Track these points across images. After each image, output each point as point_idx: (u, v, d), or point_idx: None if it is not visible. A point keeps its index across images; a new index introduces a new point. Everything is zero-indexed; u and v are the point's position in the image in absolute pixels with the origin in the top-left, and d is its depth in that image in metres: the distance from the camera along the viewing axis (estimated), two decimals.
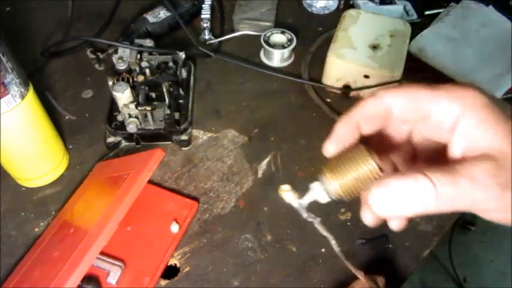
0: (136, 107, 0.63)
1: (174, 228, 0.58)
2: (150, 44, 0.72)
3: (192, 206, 0.61)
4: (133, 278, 0.54)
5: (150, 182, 0.63)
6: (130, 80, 0.67)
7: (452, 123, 0.28)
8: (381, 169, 0.30)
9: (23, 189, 0.63)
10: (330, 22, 0.83)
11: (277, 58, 0.79)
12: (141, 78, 0.68)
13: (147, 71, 0.69)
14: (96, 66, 0.77)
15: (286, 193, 0.34)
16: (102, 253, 0.54)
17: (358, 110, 0.31)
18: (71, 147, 0.68)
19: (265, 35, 0.78)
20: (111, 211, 0.48)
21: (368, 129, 0.31)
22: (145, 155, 0.56)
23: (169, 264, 0.56)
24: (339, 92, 0.74)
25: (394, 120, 0.31)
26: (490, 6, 0.78)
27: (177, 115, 0.67)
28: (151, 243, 0.57)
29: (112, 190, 0.54)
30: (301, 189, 0.34)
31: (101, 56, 0.76)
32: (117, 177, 0.56)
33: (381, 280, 0.51)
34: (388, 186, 0.26)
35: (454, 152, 0.28)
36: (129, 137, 0.67)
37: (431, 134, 0.31)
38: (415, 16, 0.85)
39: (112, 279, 0.53)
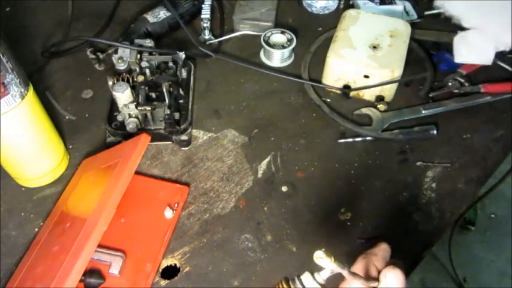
0: (136, 107, 0.63)
1: (168, 213, 0.59)
2: (150, 44, 0.72)
3: (182, 190, 0.62)
4: (135, 265, 0.55)
5: (141, 174, 0.64)
6: (130, 80, 0.67)
7: None
8: None
9: (23, 189, 0.63)
10: (330, 22, 0.83)
11: (277, 58, 0.79)
12: (141, 78, 0.68)
13: (147, 71, 0.69)
14: (96, 66, 0.78)
15: (321, 260, 0.36)
16: (102, 246, 0.54)
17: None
18: (71, 147, 0.68)
19: (265, 35, 0.78)
20: (108, 196, 0.49)
21: None
22: (131, 141, 0.57)
23: (169, 264, 0.56)
24: (339, 92, 0.74)
25: None
26: None
27: (177, 115, 0.67)
28: (148, 230, 0.58)
29: (104, 179, 0.54)
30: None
31: (101, 56, 0.76)
32: (106, 168, 0.56)
33: None
34: None
35: None
36: (129, 137, 0.67)
37: None
38: (415, 16, 0.85)
39: (115, 269, 0.54)
